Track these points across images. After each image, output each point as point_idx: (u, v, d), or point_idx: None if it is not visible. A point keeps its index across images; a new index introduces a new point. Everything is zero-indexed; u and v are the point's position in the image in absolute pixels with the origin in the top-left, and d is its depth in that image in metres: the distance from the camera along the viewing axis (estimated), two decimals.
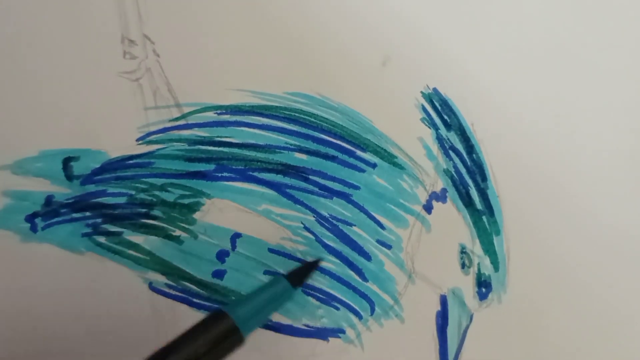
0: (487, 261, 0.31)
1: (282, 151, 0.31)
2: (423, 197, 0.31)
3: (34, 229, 0.30)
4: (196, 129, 0.31)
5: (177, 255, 0.31)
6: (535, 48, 0.32)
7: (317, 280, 0.31)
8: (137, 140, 0.30)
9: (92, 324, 0.30)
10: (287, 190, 0.31)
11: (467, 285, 0.31)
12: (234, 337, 0.26)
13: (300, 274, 0.30)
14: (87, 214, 0.30)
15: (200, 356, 0.25)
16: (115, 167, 0.30)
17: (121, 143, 0.30)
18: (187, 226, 0.31)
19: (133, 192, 0.30)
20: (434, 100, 0.31)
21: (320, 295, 0.31)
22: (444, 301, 0.31)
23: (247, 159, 0.31)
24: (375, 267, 0.31)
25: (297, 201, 0.31)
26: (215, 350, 0.25)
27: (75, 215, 0.30)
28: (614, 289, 0.31)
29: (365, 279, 0.31)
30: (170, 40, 0.30)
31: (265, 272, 0.31)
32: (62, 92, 0.30)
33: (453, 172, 0.31)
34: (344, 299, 0.31)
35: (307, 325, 0.31)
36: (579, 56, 0.32)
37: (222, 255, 0.31)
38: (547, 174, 0.31)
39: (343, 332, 0.31)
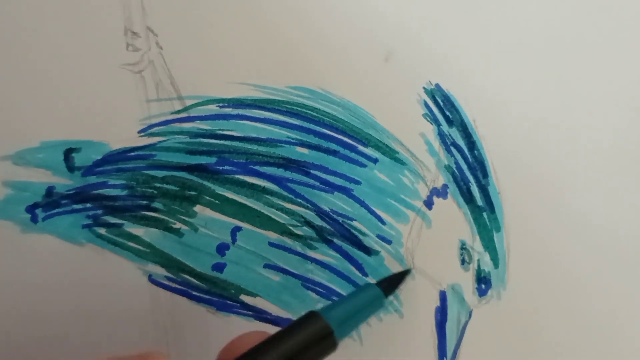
0: (487, 257, 0.31)
1: (283, 145, 0.31)
2: (424, 193, 0.31)
3: (34, 219, 0.30)
4: (198, 121, 0.31)
5: (177, 247, 0.31)
6: (538, 45, 0.32)
7: (316, 274, 0.31)
8: (139, 132, 0.30)
9: (91, 315, 0.30)
10: (288, 184, 0.31)
11: (466, 282, 0.31)
12: (328, 341, 0.25)
13: (392, 283, 0.29)
14: (88, 205, 0.30)
15: (294, 356, 0.24)
16: (117, 159, 0.30)
17: (123, 135, 0.30)
18: (187, 219, 0.31)
19: (134, 184, 0.30)
20: (436, 96, 0.31)
21: (320, 289, 0.31)
22: (443, 297, 0.31)
23: (249, 153, 0.31)
24: (375, 262, 0.31)
25: (298, 195, 0.31)
26: (308, 352, 0.24)
27: (75, 206, 0.30)
28: (612, 287, 0.31)
29: (365, 274, 0.31)
30: (173, 32, 0.30)
31: (265, 266, 0.31)
32: (65, 83, 0.30)
33: (454, 168, 0.31)
34: (343, 293, 0.31)
35: None
36: (582, 54, 0.32)
37: (222, 249, 0.31)
38: (548, 171, 0.31)
39: None
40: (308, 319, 0.25)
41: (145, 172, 0.30)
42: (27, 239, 0.30)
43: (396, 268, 0.31)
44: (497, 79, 0.31)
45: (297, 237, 0.31)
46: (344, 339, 0.26)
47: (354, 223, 0.31)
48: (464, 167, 0.31)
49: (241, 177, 0.31)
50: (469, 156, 0.31)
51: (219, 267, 0.31)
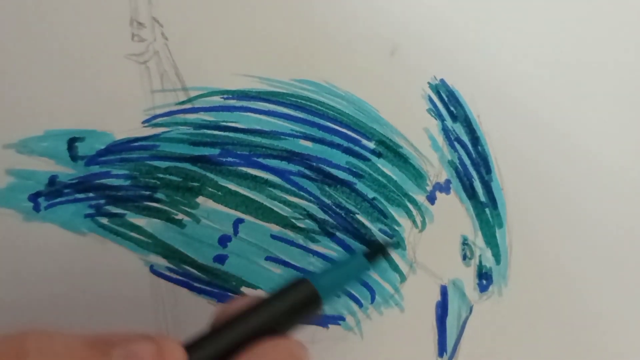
0: (488, 253, 0.31)
1: (287, 138, 0.31)
2: (427, 188, 0.31)
3: (36, 208, 0.30)
4: (202, 113, 0.31)
5: (179, 238, 0.31)
6: (543, 41, 0.32)
7: (318, 267, 0.31)
8: (143, 122, 0.30)
9: (92, 305, 0.30)
10: (291, 177, 0.31)
11: (468, 277, 0.31)
12: (315, 304, 0.26)
13: (376, 252, 0.30)
14: (91, 194, 0.30)
15: (282, 317, 0.25)
16: (120, 149, 0.30)
17: (127, 125, 0.30)
18: (189, 210, 0.31)
19: (137, 174, 0.30)
20: (440, 91, 0.31)
21: None
22: (444, 292, 0.31)
23: (252, 145, 0.31)
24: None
25: (301, 188, 0.31)
26: (296, 313, 0.26)
27: (78, 195, 0.30)
28: (614, 284, 0.32)
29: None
30: (178, 23, 0.30)
31: (267, 258, 0.31)
32: (70, 72, 0.30)
33: (457, 164, 0.31)
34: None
35: None
36: (587, 50, 0.32)
37: (224, 240, 0.31)
38: (551, 167, 0.31)
39: (343, 319, 0.31)
40: (297, 284, 0.26)
41: (148, 162, 0.30)
42: (29, 227, 0.30)
43: (398, 262, 0.31)
44: (501, 75, 0.31)
45: (299, 229, 0.31)
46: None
47: (357, 217, 0.31)
48: (467, 162, 0.31)
49: (244, 169, 0.31)
50: (472, 152, 0.31)
51: (220, 259, 0.31)
